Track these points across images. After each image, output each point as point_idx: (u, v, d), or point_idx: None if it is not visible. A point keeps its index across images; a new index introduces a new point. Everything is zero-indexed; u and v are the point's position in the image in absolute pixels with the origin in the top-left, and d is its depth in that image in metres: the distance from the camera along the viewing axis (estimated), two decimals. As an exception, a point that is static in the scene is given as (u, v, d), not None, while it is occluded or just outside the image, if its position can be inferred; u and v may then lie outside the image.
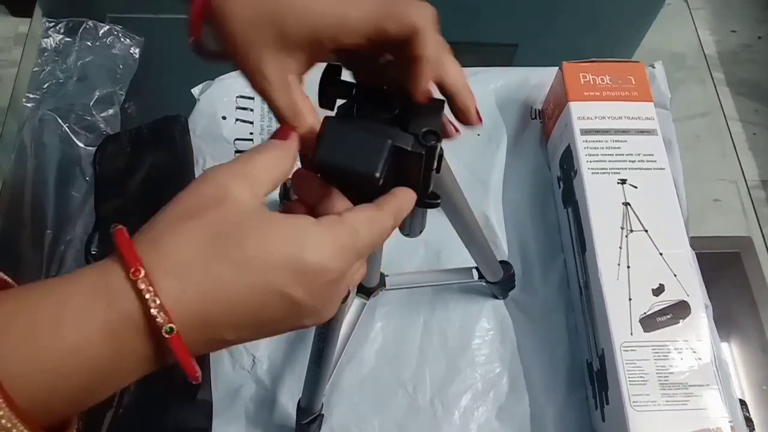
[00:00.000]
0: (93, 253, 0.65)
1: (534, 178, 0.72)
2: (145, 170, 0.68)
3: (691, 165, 0.74)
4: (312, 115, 0.35)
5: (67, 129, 0.69)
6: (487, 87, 0.76)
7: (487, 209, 0.69)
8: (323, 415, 0.59)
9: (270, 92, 0.34)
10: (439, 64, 0.35)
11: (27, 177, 0.66)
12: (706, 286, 0.62)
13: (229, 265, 0.27)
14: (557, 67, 0.70)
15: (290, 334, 0.63)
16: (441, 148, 0.34)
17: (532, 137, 0.75)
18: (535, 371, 0.63)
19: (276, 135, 0.33)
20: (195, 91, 0.73)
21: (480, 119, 0.37)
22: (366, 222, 0.31)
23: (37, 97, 0.72)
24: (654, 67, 0.75)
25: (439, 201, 0.37)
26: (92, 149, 0.69)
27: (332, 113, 0.35)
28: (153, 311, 0.26)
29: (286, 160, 0.32)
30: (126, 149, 0.68)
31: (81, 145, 0.69)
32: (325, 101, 0.36)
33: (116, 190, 0.67)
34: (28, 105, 0.71)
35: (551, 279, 0.67)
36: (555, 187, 0.71)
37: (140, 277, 0.26)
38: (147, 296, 0.26)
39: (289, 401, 0.61)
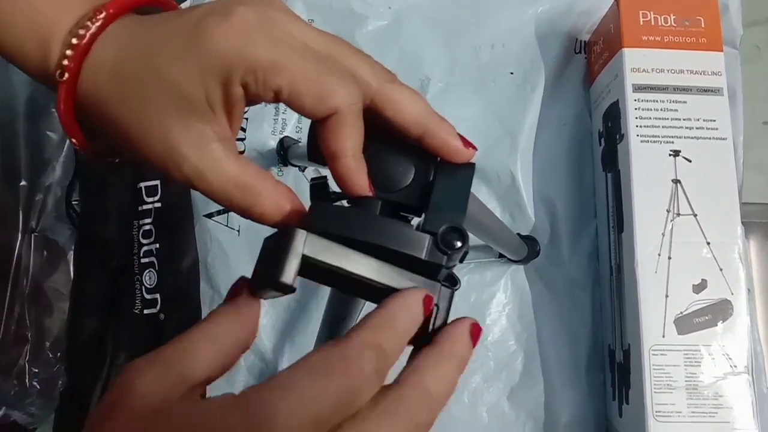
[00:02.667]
0: (74, 202, 0.59)
1: (571, 128, 0.63)
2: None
3: (746, 79, 0.64)
4: (265, 181, 0.26)
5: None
6: (526, 13, 0.64)
7: (513, 166, 0.61)
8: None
9: (193, 174, 0.26)
10: (385, 98, 0.26)
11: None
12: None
13: None
14: (613, -5, 0.58)
15: (291, 303, 0.59)
16: (468, 246, 0.26)
17: (573, 76, 0.64)
18: (553, 351, 0.59)
19: (228, 297, 0.25)
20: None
21: (471, 146, 0.28)
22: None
23: None
24: (729, -4, 0.63)
25: (458, 287, 0.29)
26: (67, 80, 0.60)
27: None
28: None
29: (227, 337, 0.24)
30: (105, 84, 0.59)
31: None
32: (316, 154, 0.27)
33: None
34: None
35: (580, 249, 0.61)
36: (595, 141, 0.62)
37: None
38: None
39: (288, 374, 0.57)
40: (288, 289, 0.23)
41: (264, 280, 0.24)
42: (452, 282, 0.26)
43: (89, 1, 0.27)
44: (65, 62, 0.26)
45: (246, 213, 0.26)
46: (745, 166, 0.62)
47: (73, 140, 0.29)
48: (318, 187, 0.28)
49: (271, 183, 0.26)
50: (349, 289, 0.26)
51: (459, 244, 0.25)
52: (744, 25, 0.66)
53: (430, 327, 0.25)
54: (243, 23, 0.25)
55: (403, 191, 0.26)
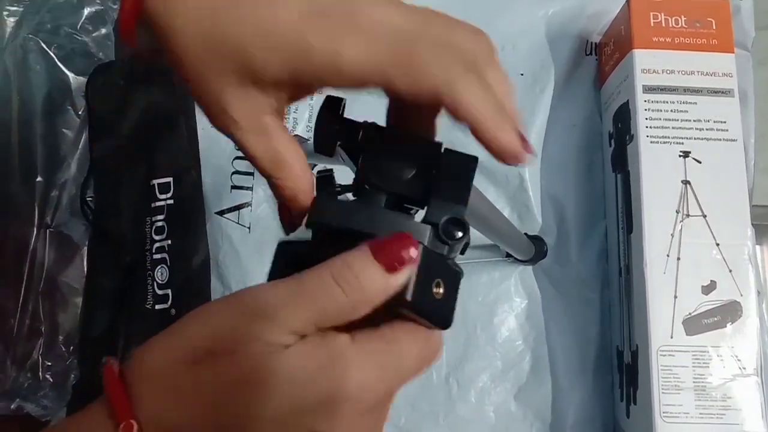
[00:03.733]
0: (89, 199, 0.60)
1: (581, 129, 0.63)
2: (140, 107, 0.61)
3: (763, 82, 0.63)
4: (299, 162, 0.27)
5: (53, 54, 0.61)
6: (537, 14, 0.64)
7: (522, 167, 0.61)
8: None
9: (239, 136, 0.26)
10: (450, 86, 0.25)
11: (12, 114, 0.59)
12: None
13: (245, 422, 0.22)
14: (624, -3, 0.58)
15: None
16: (469, 237, 0.26)
17: (584, 78, 0.65)
18: (561, 351, 0.59)
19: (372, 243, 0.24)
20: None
21: (529, 148, 0.26)
22: (411, 337, 0.24)
23: (19, 9, 0.62)
24: (741, -1, 0.63)
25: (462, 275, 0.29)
26: (83, 79, 0.61)
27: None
28: None
29: (362, 294, 0.23)
30: (119, 83, 0.60)
31: (70, 73, 0.61)
32: (323, 146, 0.28)
33: (110, 128, 0.61)
34: (10, 20, 0.62)
35: (589, 249, 0.61)
36: (605, 142, 0.62)
37: None
38: None
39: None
40: None
41: None
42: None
43: None
44: None
45: (272, 185, 0.27)
46: (757, 168, 0.62)
47: (125, 44, 0.27)
48: (324, 179, 0.28)
49: (303, 165, 0.27)
50: None
51: (460, 234, 0.25)
52: (759, 28, 0.66)
53: None
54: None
55: (405, 183, 0.26)
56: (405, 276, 0.23)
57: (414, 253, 0.24)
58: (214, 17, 0.24)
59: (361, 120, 0.28)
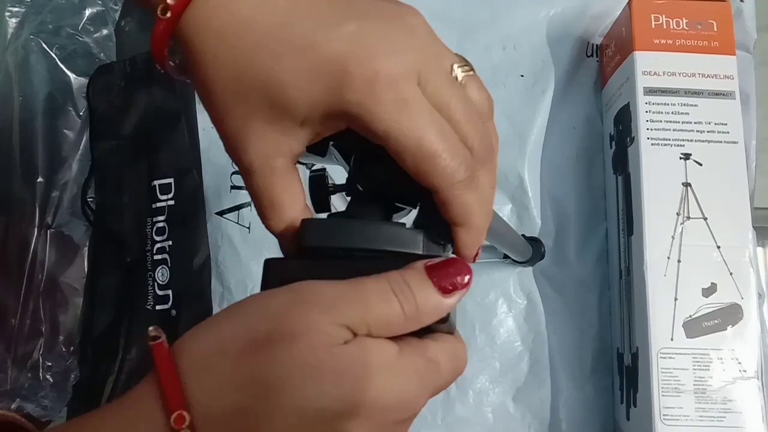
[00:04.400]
0: (89, 199, 0.60)
1: (582, 131, 0.63)
2: (141, 107, 0.61)
3: (765, 83, 0.63)
4: (293, 208, 0.27)
5: (54, 55, 0.61)
6: (538, 15, 0.64)
7: (521, 168, 0.61)
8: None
9: (246, 175, 0.26)
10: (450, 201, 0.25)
11: (13, 114, 0.59)
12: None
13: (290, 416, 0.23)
14: (626, -4, 0.58)
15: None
16: None
17: (585, 80, 0.64)
18: (560, 353, 0.59)
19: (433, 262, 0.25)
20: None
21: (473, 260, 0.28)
22: (449, 354, 0.25)
23: (21, 10, 0.63)
24: (742, 1, 0.63)
25: None
26: (84, 79, 0.61)
27: None
28: None
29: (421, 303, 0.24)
30: (120, 83, 0.60)
31: (71, 74, 0.61)
32: (315, 146, 0.28)
33: (111, 129, 0.61)
34: (12, 21, 0.63)
35: (589, 251, 0.61)
36: (606, 144, 0.62)
37: (183, 427, 0.22)
38: None
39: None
40: None
41: None
42: None
43: None
44: (170, 1, 0.24)
45: (262, 220, 0.28)
46: (761, 170, 0.61)
47: (157, 60, 0.27)
48: (317, 178, 0.28)
49: (297, 209, 0.27)
50: None
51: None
52: (761, 30, 0.66)
53: None
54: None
55: (398, 183, 0.26)
56: (457, 299, 0.25)
57: (467, 278, 0.24)
58: (244, 39, 0.24)
59: None
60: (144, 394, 0.23)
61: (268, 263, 0.25)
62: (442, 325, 0.25)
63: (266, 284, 0.25)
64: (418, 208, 0.26)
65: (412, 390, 0.24)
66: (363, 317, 0.23)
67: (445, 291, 0.24)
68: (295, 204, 0.27)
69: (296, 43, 0.24)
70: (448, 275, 0.24)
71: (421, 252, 0.25)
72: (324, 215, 0.28)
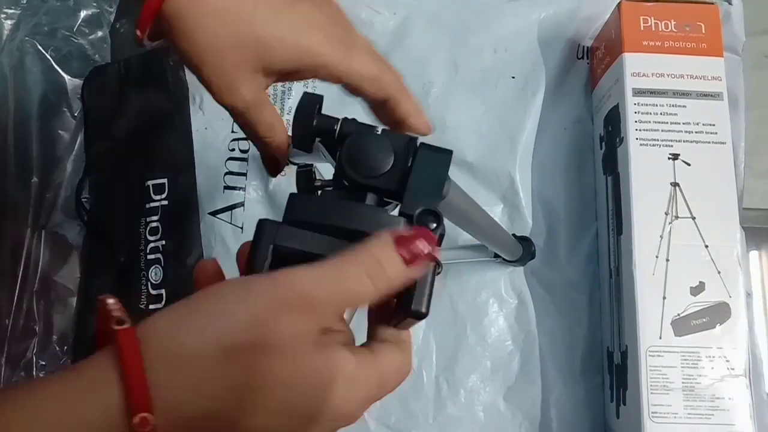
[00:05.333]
0: (84, 200, 0.61)
1: (572, 132, 0.64)
2: (136, 109, 0.61)
3: (756, 87, 0.64)
4: (280, 124, 0.35)
5: (50, 57, 0.61)
6: (530, 18, 0.65)
7: (512, 169, 0.62)
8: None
9: (244, 110, 0.33)
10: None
11: (8, 115, 0.60)
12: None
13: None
14: None
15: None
16: (444, 228, 0.27)
17: (575, 82, 0.65)
18: (550, 352, 0.59)
19: (399, 238, 0.25)
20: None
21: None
22: (395, 369, 0.26)
23: (17, 12, 0.63)
24: (731, 4, 0.63)
25: (440, 269, 0.30)
26: (79, 81, 0.62)
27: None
28: None
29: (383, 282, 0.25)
30: (115, 85, 0.61)
31: (66, 75, 0.62)
32: (301, 142, 0.28)
33: (105, 130, 0.61)
34: (7, 22, 0.63)
35: (579, 252, 0.61)
36: (596, 146, 0.63)
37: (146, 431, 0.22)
38: None
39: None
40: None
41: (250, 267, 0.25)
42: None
43: None
44: None
45: (262, 143, 0.35)
46: (752, 172, 0.62)
47: (137, 33, 0.32)
48: (304, 174, 0.29)
49: (282, 125, 0.36)
50: None
51: (434, 225, 0.26)
52: (750, 34, 0.66)
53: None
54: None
55: (383, 177, 0.27)
56: (421, 269, 0.25)
57: (431, 248, 0.25)
58: (244, 20, 0.31)
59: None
60: (99, 381, 0.22)
61: (263, 224, 0.26)
62: (396, 333, 0.26)
63: (257, 245, 0.26)
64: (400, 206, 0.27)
65: (361, 402, 0.25)
66: (341, 310, 0.25)
67: (412, 261, 0.25)
68: (282, 125, 0.35)
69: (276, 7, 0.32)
70: (416, 247, 0.25)
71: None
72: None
